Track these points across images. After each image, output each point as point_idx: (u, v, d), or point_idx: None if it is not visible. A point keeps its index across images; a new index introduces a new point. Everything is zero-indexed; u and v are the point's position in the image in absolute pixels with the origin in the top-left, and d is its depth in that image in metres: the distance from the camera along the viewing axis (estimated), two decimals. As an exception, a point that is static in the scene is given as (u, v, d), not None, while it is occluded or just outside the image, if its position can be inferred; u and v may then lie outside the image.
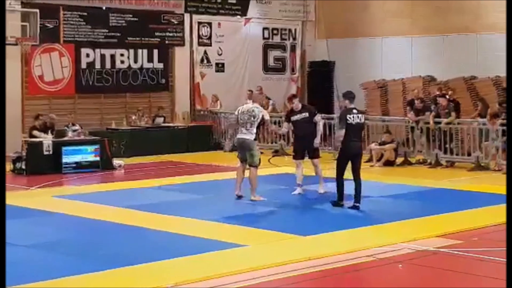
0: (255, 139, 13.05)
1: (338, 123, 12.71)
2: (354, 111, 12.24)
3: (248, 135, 13.02)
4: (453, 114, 17.76)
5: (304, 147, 13.68)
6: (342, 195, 12.25)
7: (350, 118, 12.06)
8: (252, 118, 13.03)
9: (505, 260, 8.86)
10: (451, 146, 17.78)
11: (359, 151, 12.39)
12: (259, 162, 13.14)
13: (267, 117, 13.23)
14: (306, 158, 13.80)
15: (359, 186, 12.18)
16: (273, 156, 20.34)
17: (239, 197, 13.15)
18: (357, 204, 12.11)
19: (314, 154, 13.68)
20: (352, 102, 12.39)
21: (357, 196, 12.16)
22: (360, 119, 12.25)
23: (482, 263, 8.86)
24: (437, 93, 19.30)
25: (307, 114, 13.58)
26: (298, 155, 13.77)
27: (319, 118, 13.69)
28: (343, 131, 12.09)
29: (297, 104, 13.72)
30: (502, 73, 20.84)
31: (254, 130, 13.00)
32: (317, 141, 13.57)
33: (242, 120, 13.10)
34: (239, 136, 13.30)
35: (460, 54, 22.08)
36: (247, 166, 13.11)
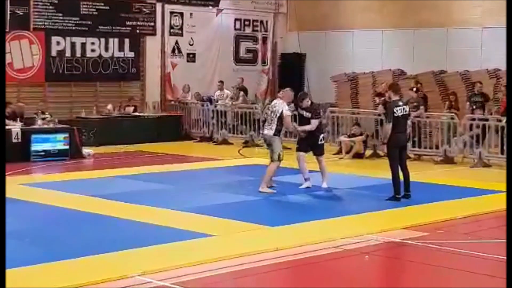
0: (275, 134, 12.93)
1: (385, 117, 12.57)
2: (400, 103, 12.19)
3: (268, 130, 13.03)
4: (421, 107, 17.93)
5: (307, 143, 13.51)
6: (399, 189, 12.18)
7: (397, 111, 12.00)
8: (272, 114, 13.01)
9: (468, 252, 9.03)
10: (420, 139, 17.92)
11: (405, 143, 12.61)
12: (279, 158, 12.94)
13: (286, 113, 12.91)
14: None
15: (407, 175, 12.33)
16: (243, 147, 20.36)
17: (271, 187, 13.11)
18: (409, 193, 12.26)
19: (317, 151, 13.55)
20: (396, 94, 12.37)
21: (407, 185, 12.31)
22: (405, 111, 12.20)
23: (447, 255, 8.97)
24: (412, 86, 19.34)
25: (309, 114, 13.41)
26: (300, 148, 13.59)
27: (313, 121, 13.33)
28: (390, 125, 12.02)
29: (306, 102, 13.50)
30: (471, 67, 21.09)
31: (274, 126, 12.93)
32: (298, 127, 13.52)
33: (266, 115, 13.11)
34: (263, 132, 13.37)
35: (430, 49, 22.22)
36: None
